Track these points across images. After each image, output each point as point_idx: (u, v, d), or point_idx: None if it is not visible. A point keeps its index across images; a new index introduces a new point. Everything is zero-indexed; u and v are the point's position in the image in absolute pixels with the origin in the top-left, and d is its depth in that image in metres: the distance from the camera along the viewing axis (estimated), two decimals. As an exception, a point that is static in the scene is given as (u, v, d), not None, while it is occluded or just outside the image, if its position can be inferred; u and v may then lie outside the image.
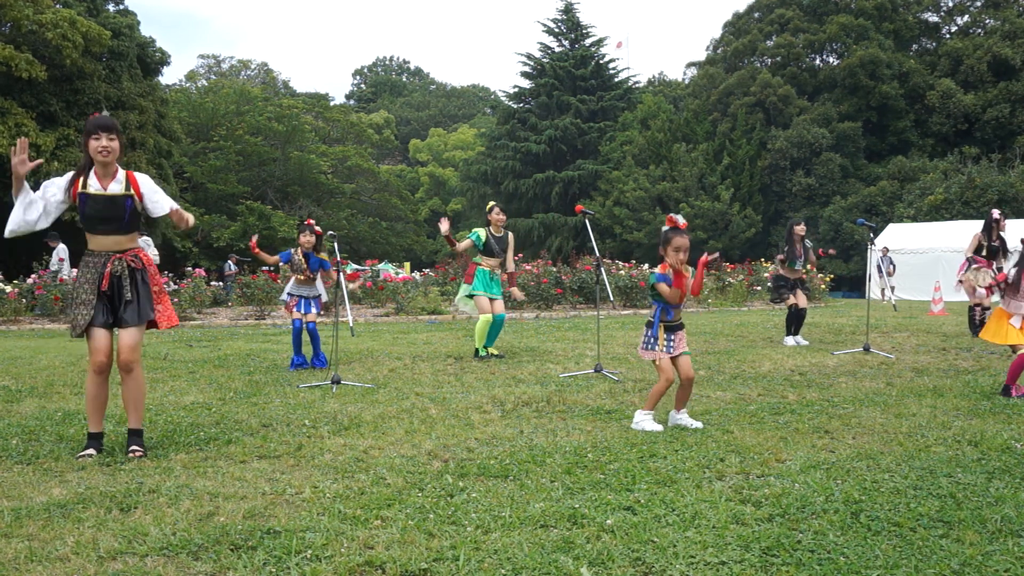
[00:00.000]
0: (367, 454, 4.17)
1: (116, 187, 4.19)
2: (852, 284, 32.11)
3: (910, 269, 24.08)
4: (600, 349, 8.05)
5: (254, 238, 7.95)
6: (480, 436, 4.59)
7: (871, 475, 3.67)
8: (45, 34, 21.09)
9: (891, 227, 27.79)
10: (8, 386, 6.46)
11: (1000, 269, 9.15)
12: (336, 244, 7.30)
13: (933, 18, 39.95)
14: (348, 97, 75.02)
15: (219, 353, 8.84)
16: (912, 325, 12.13)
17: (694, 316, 14.73)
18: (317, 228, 7.77)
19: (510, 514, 3.13)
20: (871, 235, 9.52)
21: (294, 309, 7.72)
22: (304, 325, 7.67)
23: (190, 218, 4.33)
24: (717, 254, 4.92)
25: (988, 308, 8.47)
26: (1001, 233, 9.83)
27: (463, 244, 8.42)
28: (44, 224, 4.17)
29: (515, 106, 43.27)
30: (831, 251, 10.63)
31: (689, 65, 51.57)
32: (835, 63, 38.05)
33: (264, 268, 18.78)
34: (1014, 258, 7.34)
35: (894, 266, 21.63)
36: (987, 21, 37.29)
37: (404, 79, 79.38)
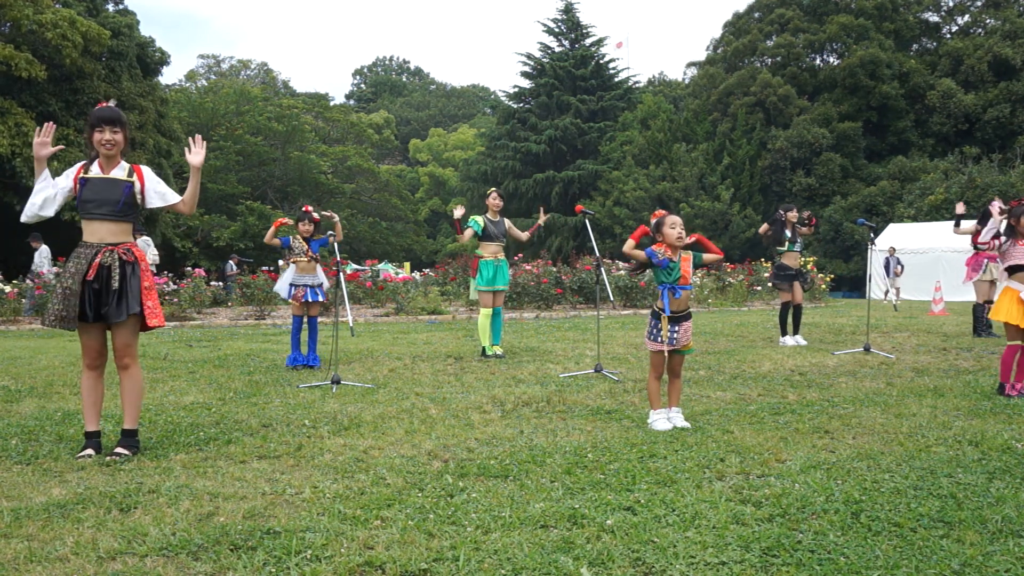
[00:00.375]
0: (367, 454, 4.17)
1: (118, 172, 4.22)
2: (852, 284, 32.11)
3: (910, 269, 24.09)
4: (600, 349, 8.05)
5: (279, 221, 8.01)
6: (480, 436, 4.59)
7: (871, 475, 3.66)
8: (45, 34, 21.08)
9: (891, 227, 27.80)
10: (8, 386, 6.46)
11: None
12: (336, 244, 7.29)
13: (933, 18, 39.96)
14: (348, 97, 75.06)
15: (219, 353, 8.84)
16: (912, 325, 12.13)
17: (694, 316, 14.67)
18: (315, 215, 7.79)
19: (510, 514, 3.13)
20: (871, 235, 9.51)
21: (302, 296, 7.67)
22: (306, 321, 7.68)
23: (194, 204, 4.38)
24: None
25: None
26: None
27: (466, 235, 8.43)
28: (49, 212, 4.19)
29: (515, 106, 43.27)
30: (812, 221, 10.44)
31: (689, 65, 51.64)
32: (835, 63, 38.04)
33: (264, 268, 18.79)
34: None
35: (902, 266, 21.53)
36: (988, 21, 37.28)
37: (404, 79, 79.41)
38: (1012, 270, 5.93)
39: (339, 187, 40.24)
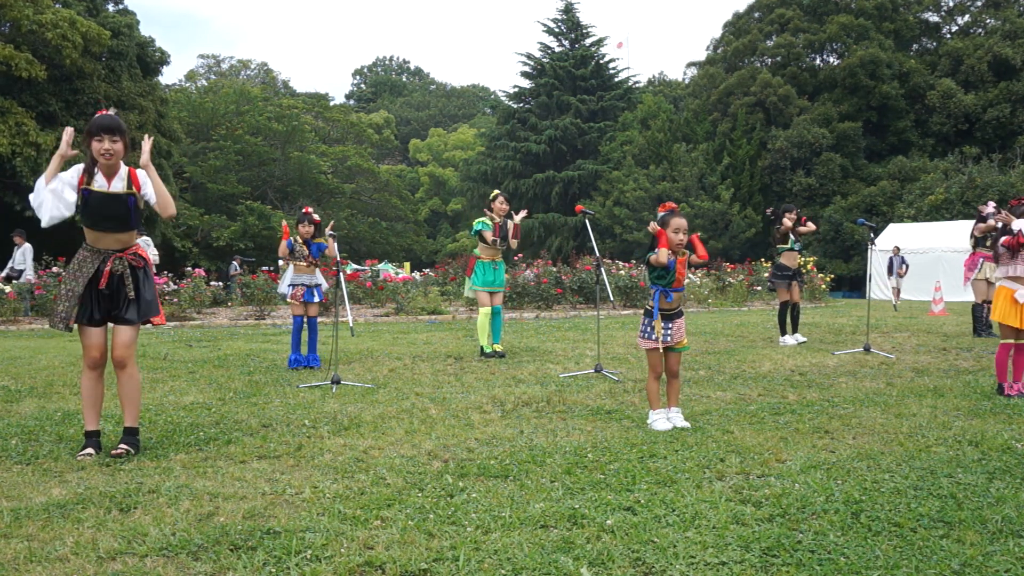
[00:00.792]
0: (367, 454, 4.17)
1: (119, 184, 4.19)
2: (852, 284, 32.11)
3: (910, 269, 24.07)
4: (600, 349, 8.05)
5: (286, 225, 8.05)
6: (480, 436, 4.59)
7: (871, 475, 3.66)
8: (45, 34, 21.09)
9: (891, 227, 27.80)
10: (8, 386, 6.46)
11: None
12: (336, 244, 7.29)
13: (933, 18, 39.96)
14: (348, 97, 75.06)
15: (219, 353, 8.84)
16: (912, 325, 12.12)
17: (694, 316, 14.73)
18: (315, 216, 7.79)
19: (510, 514, 3.13)
20: (871, 235, 9.51)
21: (301, 298, 7.70)
22: (306, 321, 7.68)
23: (170, 204, 4.30)
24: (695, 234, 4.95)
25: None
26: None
27: (487, 236, 8.30)
28: (71, 212, 4.14)
29: (515, 106, 43.26)
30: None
31: (689, 65, 51.64)
32: (835, 63, 38.05)
33: (264, 268, 18.79)
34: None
35: (906, 265, 21.48)
36: (988, 21, 37.29)
37: (404, 79, 79.40)
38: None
39: (339, 187, 40.25)
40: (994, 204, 9.87)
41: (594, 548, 2.77)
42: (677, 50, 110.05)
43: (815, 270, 21.36)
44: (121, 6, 28.11)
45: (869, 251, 10.01)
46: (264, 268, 19.45)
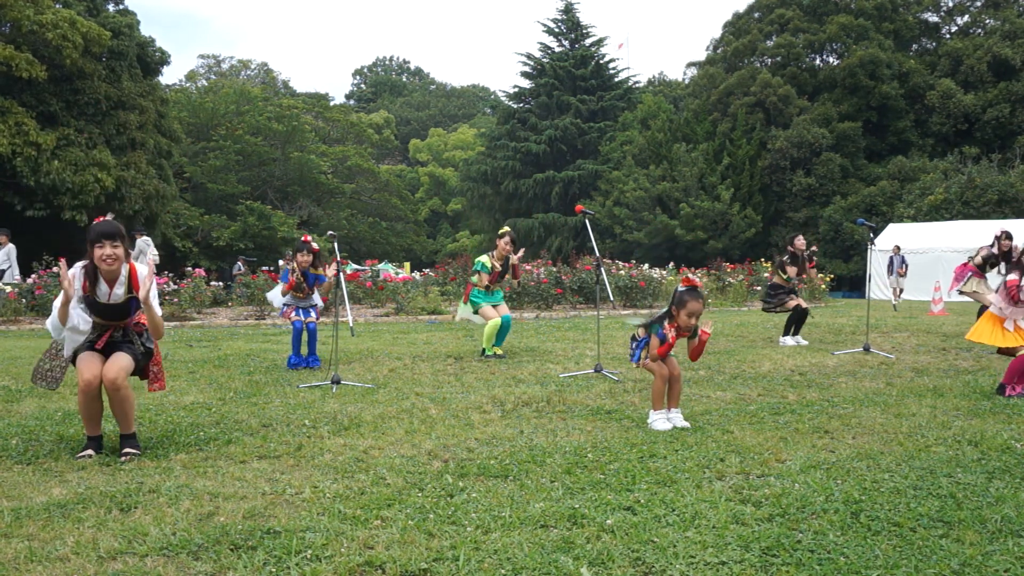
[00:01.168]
0: (367, 454, 4.17)
1: (120, 291, 4.19)
2: (852, 284, 32.10)
3: (910, 269, 24.07)
4: (600, 349, 8.05)
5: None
6: (480, 436, 4.59)
7: (871, 475, 3.67)
8: (45, 34, 21.09)
9: (891, 227, 27.78)
10: (8, 386, 6.46)
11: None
12: (336, 244, 7.29)
13: (933, 18, 39.94)
14: (348, 97, 75.05)
15: (219, 353, 8.84)
16: (912, 325, 12.13)
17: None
18: (315, 246, 7.76)
19: (510, 514, 3.13)
20: (871, 235, 9.51)
21: (293, 314, 7.77)
22: (305, 326, 7.70)
23: (160, 329, 4.35)
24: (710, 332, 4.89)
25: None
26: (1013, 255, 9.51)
27: (483, 279, 8.36)
28: (87, 331, 4.25)
29: (515, 106, 43.28)
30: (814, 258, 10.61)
31: (689, 65, 51.62)
32: (835, 63, 38.02)
33: (264, 268, 18.79)
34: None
35: (906, 265, 21.47)
36: (987, 21, 37.27)
37: (404, 79, 79.40)
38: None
39: (339, 187, 40.26)
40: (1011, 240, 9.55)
41: (594, 548, 2.77)
42: (677, 50, 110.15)
43: (814, 270, 21.34)
44: (121, 6, 28.10)
45: (869, 251, 10.01)
46: (264, 268, 19.46)
